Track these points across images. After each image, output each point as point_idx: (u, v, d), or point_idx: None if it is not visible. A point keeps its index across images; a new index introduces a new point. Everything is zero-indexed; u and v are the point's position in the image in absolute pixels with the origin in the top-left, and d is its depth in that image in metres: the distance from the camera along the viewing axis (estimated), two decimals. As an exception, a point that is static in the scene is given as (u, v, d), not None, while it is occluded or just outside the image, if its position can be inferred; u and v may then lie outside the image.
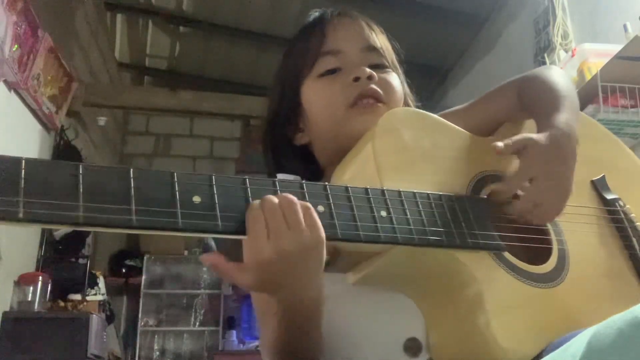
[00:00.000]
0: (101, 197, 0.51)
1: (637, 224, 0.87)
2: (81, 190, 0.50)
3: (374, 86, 0.83)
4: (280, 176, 0.77)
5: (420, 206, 0.69)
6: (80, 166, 0.51)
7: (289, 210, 0.59)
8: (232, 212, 0.58)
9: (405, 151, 0.74)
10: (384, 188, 0.68)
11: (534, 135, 0.76)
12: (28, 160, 0.49)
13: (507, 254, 0.73)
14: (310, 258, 0.60)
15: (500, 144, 0.74)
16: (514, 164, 0.81)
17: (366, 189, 0.67)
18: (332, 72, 0.86)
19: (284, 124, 0.90)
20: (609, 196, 0.88)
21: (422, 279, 0.71)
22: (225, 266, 0.61)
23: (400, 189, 0.69)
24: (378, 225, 0.65)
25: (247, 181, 0.60)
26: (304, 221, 0.59)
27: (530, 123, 0.86)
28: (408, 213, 0.68)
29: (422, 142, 0.76)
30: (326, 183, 0.66)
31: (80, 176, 0.51)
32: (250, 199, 0.59)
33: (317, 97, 0.86)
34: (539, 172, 0.73)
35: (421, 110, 0.82)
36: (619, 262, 0.83)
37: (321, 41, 0.87)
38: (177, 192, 0.55)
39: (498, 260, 0.72)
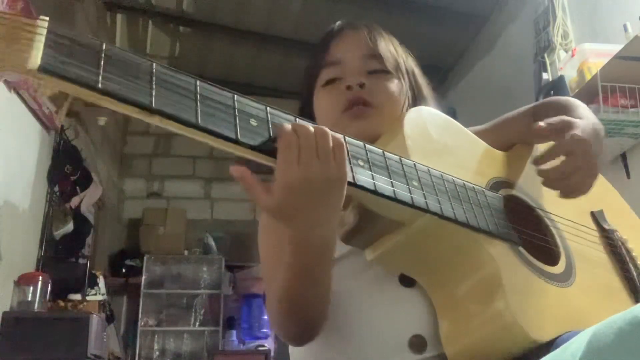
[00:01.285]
0: (171, 93, 0.56)
1: (634, 254, 0.95)
2: (154, 81, 0.55)
3: (361, 94, 0.87)
4: None
5: (447, 185, 0.73)
6: (154, 63, 0.56)
7: (322, 142, 0.62)
8: None
9: (432, 142, 0.79)
10: (415, 162, 0.72)
11: (571, 119, 0.81)
12: (107, 44, 0.54)
13: (522, 250, 0.77)
14: (331, 192, 0.63)
15: (542, 123, 0.79)
16: (531, 177, 0.88)
17: (400, 157, 0.70)
18: (333, 81, 0.90)
19: None
20: (607, 227, 0.96)
21: (439, 260, 0.73)
22: (252, 182, 0.63)
23: (430, 168, 0.73)
24: (410, 187, 0.68)
25: (297, 120, 0.64)
26: (332, 156, 0.62)
27: (543, 147, 0.93)
28: (436, 187, 0.71)
29: (445, 139, 0.82)
30: (365, 142, 0.69)
31: (154, 70, 0.55)
32: None
33: (319, 105, 0.92)
34: (576, 149, 0.78)
35: (444, 114, 0.86)
36: (617, 281, 0.89)
37: (325, 53, 0.93)
38: (237, 110, 0.60)
39: (515, 252, 0.75)
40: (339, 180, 0.62)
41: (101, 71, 0.51)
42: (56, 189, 3.56)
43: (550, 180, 0.79)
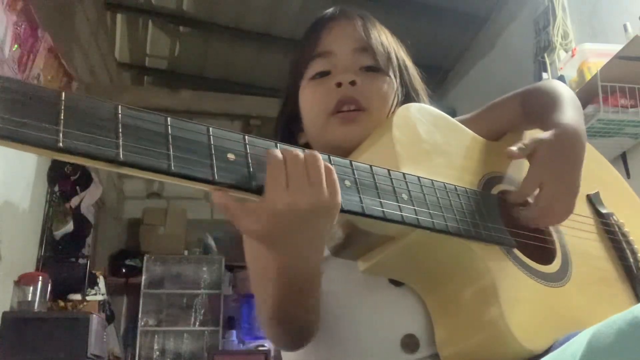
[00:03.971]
0: (139, 140, 0.51)
1: (631, 238, 0.92)
2: (120, 129, 0.50)
3: (353, 93, 0.83)
4: None
5: (438, 194, 0.71)
6: (120, 106, 0.51)
7: (313, 167, 0.58)
8: (264, 172, 0.58)
9: (421, 143, 0.77)
10: (405, 172, 0.70)
11: (543, 137, 0.78)
12: (67, 93, 0.49)
13: (516, 251, 0.75)
14: (320, 220, 0.59)
15: (514, 148, 0.76)
16: (520, 167, 0.85)
17: (389, 171, 0.68)
18: (323, 74, 0.86)
19: (287, 124, 0.92)
20: (604, 210, 0.94)
21: (433, 269, 0.72)
22: (235, 209, 0.58)
23: (419, 176, 0.71)
24: (400, 205, 0.66)
25: (278, 145, 0.60)
26: (325, 181, 0.58)
27: (532, 133, 0.90)
28: (427, 199, 0.69)
29: (435, 137, 0.79)
30: (351, 159, 0.66)
31: (120, 116, 0.51)
32: None
33: (306, 100, 0.88)
34: (547, 177, 0.76)
35: (434, 108, 0.83)
36: (613, 270, 0.88)
37: (316, 43, 0.88)
38: (212, 147, 0.55)
39: (509, 255, 0.74)
40: (331, 207, 0.58)
41: (61, 127, 0.47)
42: (56, 189, 3.56)
43: (530, 222, 0.77)
